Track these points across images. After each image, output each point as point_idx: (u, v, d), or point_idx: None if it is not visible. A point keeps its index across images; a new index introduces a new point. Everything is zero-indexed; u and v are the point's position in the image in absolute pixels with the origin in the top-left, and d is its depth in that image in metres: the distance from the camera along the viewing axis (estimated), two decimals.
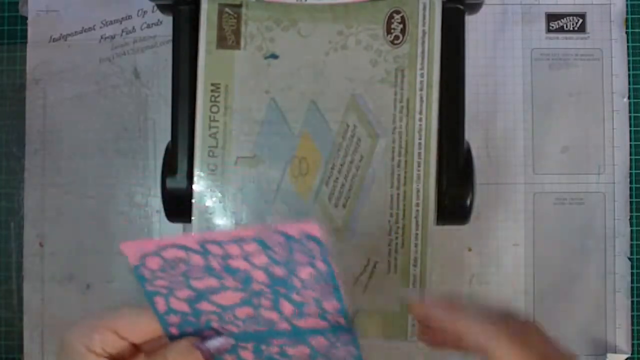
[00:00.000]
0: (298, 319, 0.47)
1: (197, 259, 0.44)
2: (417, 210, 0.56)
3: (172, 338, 0.47)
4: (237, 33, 0.57)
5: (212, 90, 0.57)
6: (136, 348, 0.46)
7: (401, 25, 0.56)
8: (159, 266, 0.44)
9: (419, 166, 0.56)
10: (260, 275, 0.45)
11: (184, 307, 0.46)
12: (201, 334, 0.47)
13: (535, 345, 0.45)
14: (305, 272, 0.45)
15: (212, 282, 0.45)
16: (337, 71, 0.56)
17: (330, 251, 0.43)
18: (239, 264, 0.44)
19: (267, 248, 0.44)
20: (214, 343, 0.47)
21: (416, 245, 0.56)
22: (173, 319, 0.46)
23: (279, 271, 0.45)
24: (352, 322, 0.48)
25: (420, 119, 0.56)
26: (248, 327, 0.47)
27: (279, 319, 0.47)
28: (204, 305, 0.46)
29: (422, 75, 0.56)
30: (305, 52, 0.56)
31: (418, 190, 0.56)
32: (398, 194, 0.56)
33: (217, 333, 0.48)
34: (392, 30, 0.56)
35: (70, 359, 0.45)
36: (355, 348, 0.49)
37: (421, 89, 0.56)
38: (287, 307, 0.46)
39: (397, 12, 0.56)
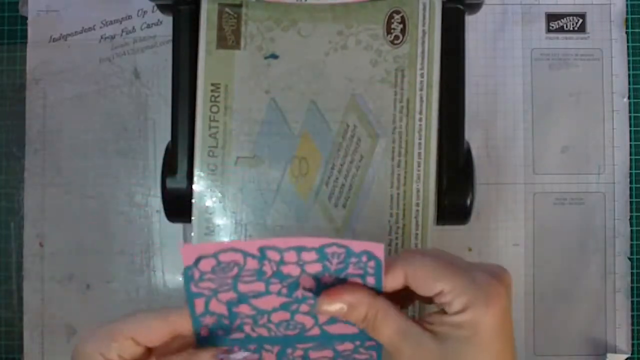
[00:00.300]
0: (330, 325, 0.48)
1: (252, 263, 0.44)
2: (417, 210, 0.56)
3: (200, 339, 0.47)
4: (237, 33, 0.57)
5: (212, 90, 0.57)
6: (150, 351, 0.47)
7: (401, 25, 0.56)
8: (211, 268, 0.44)
9: (419, 166, 0.56)
10: (308, 282, 0.46)
11: (223, 310, 0.46)
12: (227, 347, 0.48)
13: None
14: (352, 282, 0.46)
15: (259, 286, 0.45)
16: (337, 71, 0.56)
17: (383, 271, 0.45)
18: (290, 270, 0.45)
19: (325, 259, 0.44)
20: (238, 357, 0.47)
21: (416, 245, 0.56)
22: (208, 320, 0.47)
23: (328, 279, 0.46)
24: None
25: (420, 119, 0.56)
26: (279, 332, 0.48)
27: (312, 324, 0.48)
28: (243, 308, 0.46)
29: (422, 75, 0.56)
30: (305, 52, 0.57)
31: (418, 190, 0.56)
32: (398, 194, 0.56)
33: (242, 343, 0.48)
34: (392, 30, 0.56)
35: None
36: (377, 352, 0.50)
37: (421, 89, 0.56)
38: (323, 315, 0.47)
39: (397, 12, 0.56)
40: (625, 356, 0.67)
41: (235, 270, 0.45)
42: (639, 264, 0.68)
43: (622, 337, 0.67)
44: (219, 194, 0.56)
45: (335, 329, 0.48)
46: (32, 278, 0.68)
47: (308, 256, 0.44)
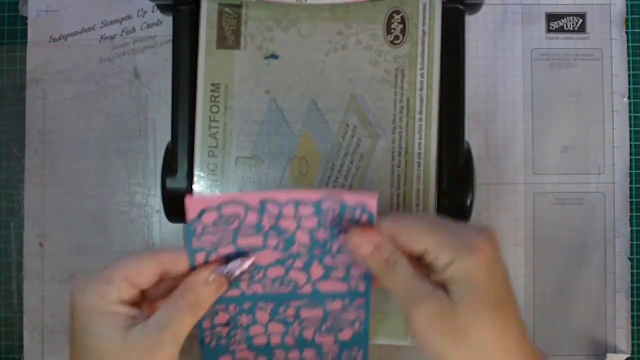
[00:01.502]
0: (322, 282, 0.51)
1: (252, 217, 0.47)
2: (417, 210, 0.56)
3: None
4: (237, 33, 0.57)
5: (212, 90, 0.57)
6: (142, 296, 0.49)
7: (401, 26, 0.56)
8: (213, 221, 0.47)
9: (419, 166, 0.56)
10: (304, 237, 0.49)
11: (221, 264, 0.49)
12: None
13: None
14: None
15: (257, 240, 0.49)
16: (337, 71, 0.56)
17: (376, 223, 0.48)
18: (288, 224, 0.48)
19: (320, 213, 0.48)
20: (235, 265, 0.49)
21: None
22: None
23: (322, 234, 0.49)
24: (370, 288, 0.52)
25: (420, 119, 0.56)
26: (272, 289, 0.51)
27: (305, 281, 0.51)
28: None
29: (422, 75, 0.56)
30: (305, 52, 0.57)
31: (418, 190, 0.56)
32: (398, 194, 0.56)
33: (238, 301, 0.51)
34: (392, 31, 0.56)
35: (85, 313, 0.47)
36: (365, 312, 0.53)
37: (421, 89, 0.56)
38: (316, 270, 0.51)
39: (397, 12, 0.56)
40: (625, 356, 0.67)
41: (236, 223, 0.47)
42: (639, 264, 0.68)
43: (622, 337, 0.67)
44: (219, 194, 0.56)
45: (326, 286, 0.51)
46: (32, 278, 0.68)
47: (305, 210, 0.47)
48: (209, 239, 0.48)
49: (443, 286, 0.46)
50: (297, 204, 0.47)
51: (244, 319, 0.52)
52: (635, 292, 0.68)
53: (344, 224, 0.48)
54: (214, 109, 0.57)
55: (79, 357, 0.48)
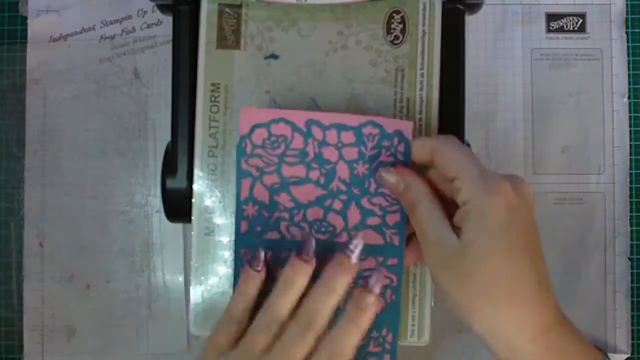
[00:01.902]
0: (358, 231, 0.52)
1: (298, 140, 0.51)
2: None
3: (239, 238, 0.53)
4: (237, 33, 0.57)
5: (212, 90, 0.57)
6: None
7: (401, 25, 0.56)
8: (262, 141, 0.51)
9: None
10: (344, 171, 0.51)
11: (265, 197, 0.52)
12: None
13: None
14: None
15: (300, 170, 0.51)
16: (337, 71, 0.56)
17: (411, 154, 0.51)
18: (330, 154, 0.51)
19: (361, 143, 0.51)
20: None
21: None
22: (250, 210, 0.52)
23: (361, 169, 0.51)
24: (404, 244, 0.53)
25: (420, 119, 0.56)
26: (310, 234, 0.52)
27: (342, 228, 0.52)
28: (282, 197, 0.52)
29: (422, 75, 0.56)
30: (306, 52, 0.56)
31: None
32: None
33: (276, 247, 0.53)
34: (392, 30, 0.56)
35: None
36: (397, 277, 0.53)
37: (421, 89, 0.56)
38: (354, 214, 0.52)
39: (397, 12, 0.56)
40: (625, 356, 0.67)
41: (282, 147, 0.51)
42: (639, 264, 0.68)
43: (622, 337, 0.67)
44: (219, 194, 0.56)
45: (362, 236, 0.51)
46: (32, 278, 0.68)
47: (346, 137, 0.51)
48: (255, 162, 0.51)
49: (459, 222, 0.48)
50: (340, 128, 0.51)
51: (279, 272, 0.52)
52: (635, 292, 0.68)
53: (382, 156, 0.51)
54: (214, 109, 0.57)
55: None
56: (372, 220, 0.52)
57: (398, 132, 0.51)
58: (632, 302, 0.67)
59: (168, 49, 0.65)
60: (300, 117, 0.50)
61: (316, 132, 0.51)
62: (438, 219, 0.49)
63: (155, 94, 0.68)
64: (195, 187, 0.56)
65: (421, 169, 0.52)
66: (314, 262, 0.50)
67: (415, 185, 0.50)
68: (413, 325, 0.56)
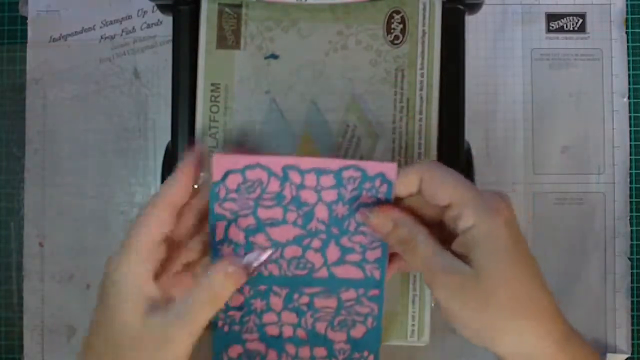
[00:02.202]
0: (338, 266, 0.52)
1: (274, 184, 0.49)
2: None
3: None
4: (237, 33, 0.57)
5: (212, 91, 0.57)
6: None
7: (401, 25, 0.56)
8: (237, 185, 0.49)
9: None
10: (323, 213, 0.50)
11: (240, 238, 0.50)
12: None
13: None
14: (363, 215, 0.50)
15: (277, 213, 0.50)
16: (337, 71, 0.56)
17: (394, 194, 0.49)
18: (308, 196, 0.50)
19: (341, 185, 0.49)
20: (253, 256, 0.50)
21: None
22: (225, 250, 0.51)
23: (341, 210, 0.50)
24: (384, 277, 0.52)
25: (421, 119, 0.56)
26: (289, 271, 0.51)
27: (321, 264, 0.51)
28: (259, 239, 0.50)
29: (422, 75, 0.56)
30: (305, 52, 0.57)
31: None
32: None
33: (254, 283, 0.52)
34: (392, 30, 0.56)
35: (130, 295, 0.48)
36: (378, 306, 0.53)
37: (421, 89, 0.56)
38: (333, 252, 0.51)
39: (397, 12, 0.56)
40: (625, 356, 0.67)
41: (258, 191, 0.49)
42: (639, 264, 0.68)
43: (622, 337, 0.67)
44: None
45: (342, 271, 0.52)
46: (32, 278, 0.68)
47: (326, 181, 0.49)
48: (230, 206, 0.50)
49: (465, 249, 0.47)
50: (319, 172, 0.49)
51: (258, 304, 0.52)
52: (635, 292, 0.68)
53: (363, 197, 0.50)
54: (214, 109, 0.57)
55: (97, 333, 0.49)
56: (352, 257, 0.51)
57: (381, 174, 0.49)
58: (632, 302, 0.67)
59: (168, 49, 0.65)
60: (277, 163, 0.49)
61: (293, 176, 0.49)
62: (441, 251, 0.48)
63: (155, 94, 0.68)
64: (195, 187, 0.56)
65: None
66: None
67: (404, 221, 0.49)
68: (413, 325, 0.56)
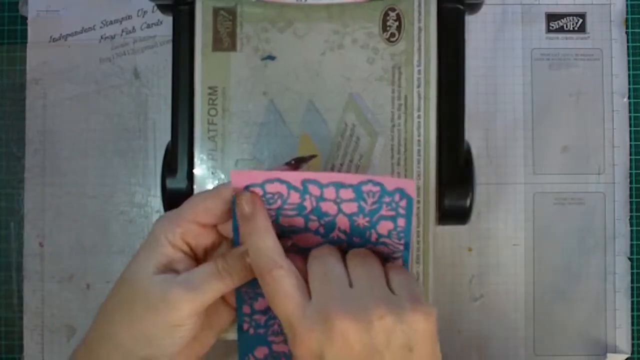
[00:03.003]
0: None
1: (294, 196, 0.49)
2: (418, 208, 0.56)
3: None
4: (232, 35, 0.57)
5: (209, 94, 0.57)
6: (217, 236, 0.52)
7: (397, 23, 0.56)
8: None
9: (418, 163, 0.56)
10: (344, 223, 0.50)
11: None
12: None
13: None
14: (384, 227, 0.50)
15: (299, 222, 0.51)
16: (334, 70, 0.56)
17: (414, 210, 0.50)
18: (329, 207, 0.50)
19: (361, 198, 0.49)
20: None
21: (418, 243, 0.56)
22: None
23: (362, 221, 0.50)
24: None
25: (419, 116, 0.56)
26: None
27: None
28: (283, 242, 0.50)
29: (419, 72, 0.56)
30: (302, 53, 0.56)
31: (418, 188, 0.56)
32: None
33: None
34: (388, 28, 0.56)
35: (152, 248, 0.50)
36: None
37: (419, 86, 0.56)
38: None
39: (393, 10, 0.56)
40: (625, 356, 0.67)
41: (279, 202, 0.49)
42: (639, 264, 0.68)
43: (622, 337, 0.67)
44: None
45: None
46: (32, 278, 0.68)
47: (345, 194, 0.49)
48: None
49: None
50: (338, 186, 0.49)
51: None
52: (635, 292, 0.68)
53: (383, 210, 0.49)
54: (212, 112, 0.57)
55: (119, 280, 0.50)
56: None
57: (400, 190, 0.49)
58: (632, 302, 0.67)
59: (168, 49, 0.65)
60: (295, 178, 0.49)
61: (313, 189, 0.49)
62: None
63: (155, 94, 0.68)
64: (195, 187, 0.56)
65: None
66: None
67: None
68: None
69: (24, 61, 0.69)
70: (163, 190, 0.58)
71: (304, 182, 0.49)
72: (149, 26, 0.68)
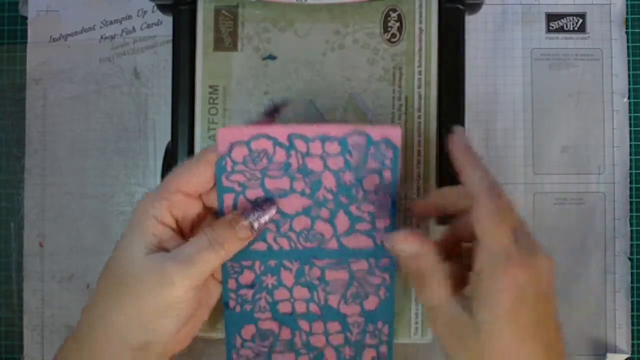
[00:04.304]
0: (348, 237, 0.52)
1: (280, 154, 0.49)
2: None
3: None
4: (233, 35, 0.57)
5: (210, 93, 0.57)
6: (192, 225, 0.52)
7: (398, 23, 0.56)
8: (243, 157, 0.49)
9: (418, 163, 0.56)
10: (329, 181, 0.50)
11: (248, 211, 0.50)
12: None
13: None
14: (370, 182, 0.51)
15: (284, 183, 0.50)
16: (335, 70, 0.56)
17: (400, 160, 0.50)
18: (315, 164, 0.50)
19: (346, 151, 0.49)
20: (258, 212, 0.50)
21: None
22: None
23: (348, 177, 0.50)
24: None
25: (419, 116, 0.56)
26: (298, 243, 0.52)
27: (330, 235, 0.52)
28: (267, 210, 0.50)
29: (419, 73, 0.56)
30: (303, 52, 0.57)
31: (419, 188, 0.56)
32: (399, 192, 0.56)
33: (263, 257, 0.52)
34: (389, 29, 0.56)
35: (140, 229, 0.49)
36: (389, 275, 0.53)
37: (419, 87, 0.56)
38: (343, 222, 0.52)
39: (394, 10, 0.56)
40: (625, 356, 0.67)
41: (264, 161, 0.50)
42: (639, 264, 0.68)
43: (622, 337, 0.67)
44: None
45: (352, 242, 0.52)
46: (32, 278, 0.68)
47: (331, 147, 0.49)
48: (237, 178, 0.50)
49: (472, 294, 0.45)
50: (324, 139, 0.49)
51: (269, 280, 0.53)
52: (635, 292, 0.67)
53: (369, 163, 0.50)
54: (213, 111, 0.57)
55: (104, 272, 0.51)
56: (362, 226, 0.52)
57: (385, 139, 0.49)
58: (632, 302, 0.67)
59: (168, 49, 0.65)
60: (282, 132, 0.49)
61: (299, 144, 0.49)
62: (452, 299, 0.46)
63: (155, 94, 0.68)
64: None
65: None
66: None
67: (428, 253, 0.47)
68: (416, 323, 0.56)
69: (24, 61, 0.69)
70: None
71: (290, 137, 0.49)
72: (149, 26, 0.68)
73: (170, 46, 0.59)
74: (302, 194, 0.51)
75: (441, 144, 0.57)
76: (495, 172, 0.65)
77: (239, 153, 0.49)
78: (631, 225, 0.68)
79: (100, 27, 0.69)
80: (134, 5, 0.68)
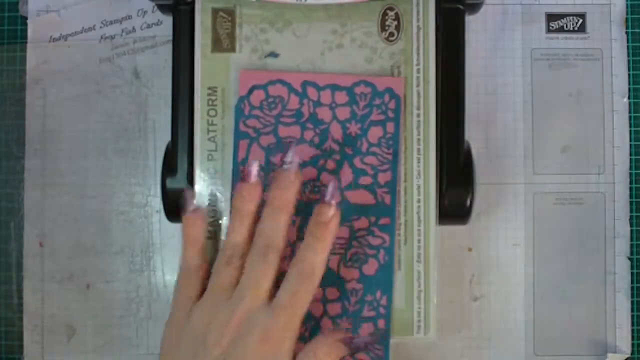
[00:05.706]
0: (351, 191, 0.53)
1: (294, 101, 0.53)
2: (419, 206, 0.56)
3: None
4: (231, 36, 0.57)
5: (209, 94, 0.57)
6: None
7: (395, 22, 0.56)
8: (260, 102, 0.53)
9: (418, 162, 0.56)
10: (337, 131, 0.53)
11: (261, 157, 0.54)
12: None
13: None
14: (374, 134, 0.53)
15: (296, 131, 0.53)
16: (333, 70, 0.56)
17: (403, 112, 0.53)
18: (324, 114, 0.53)
19: (354, 102, 0.53)
20: (361, 340, 0.51)
21: (419, 241, 0.56)
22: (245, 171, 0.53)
23: (353, 128, 0.53)
24: (395, 203, 0.54)
25: (418, 115, 0.56)
26: (304, 195, 0.53)
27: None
28: (278, 158, 0.53)
29: (418, 71, 0.56)
30: (301, 52, 0.57)
31: (419, 187, 0.56)
32: (399, 191, 0.56)
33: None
34: (387, 27, 0.56)
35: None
36: (390, 237, 0.54)
37: (418, 85, 0.56)
38: (347, 174, 0.54)
39: (391, 9, 0.56)
40: (625, 356, 0.67)
41: (279, 107, 0.53)
42: (639, 264, 0.68)
43: (622, 337, 0.67)
44: (220, 196, 0.56)
45: (354, 196, 0.54)
46: (32, 278, 0.68)
47: (340, 97, 0.53)
48: (253, 123, 0.53)
49: None
50: (334, 88, 0.52)
51: None
52: (635, 292, 0.67)
53: (373, 114, 0.53)
54: (212, 112, 0.57)
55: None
56: (364, 180, 0.53)
57: (389, 90, 0.52)
58: (632, 302, 0.67)
59: (168, 49, 0.65)
60: (296, 79, 0.52)
61: (311, 92, 0.52)
62: None
63: (155, 94, 0.68)
64: (195, 187, 0.56)
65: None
66: (260, 186, 0.52)
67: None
68: (419, 321, 0.56)
69: (24, 61, 0.69)
70: (163, 190, 0.58)
71: (304, 85, 0.53)
72: (149, 26, 0.68)
73: (170, 46, 0.59)
74: (311, 143, 0.53)
75: (441, 143, 0.57)
76: (495, 172, 0.66)
77: (256, 97, 0.53)
78: (631, 225, 0.68)
79: (100, 27, 0.69)
80: (134, 5, 0.68)
